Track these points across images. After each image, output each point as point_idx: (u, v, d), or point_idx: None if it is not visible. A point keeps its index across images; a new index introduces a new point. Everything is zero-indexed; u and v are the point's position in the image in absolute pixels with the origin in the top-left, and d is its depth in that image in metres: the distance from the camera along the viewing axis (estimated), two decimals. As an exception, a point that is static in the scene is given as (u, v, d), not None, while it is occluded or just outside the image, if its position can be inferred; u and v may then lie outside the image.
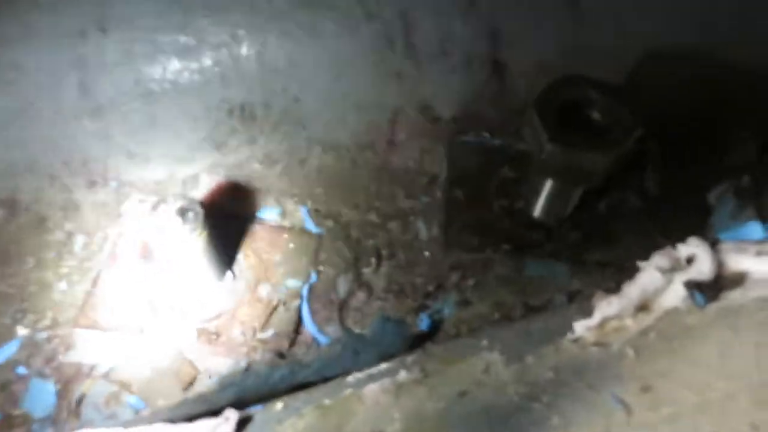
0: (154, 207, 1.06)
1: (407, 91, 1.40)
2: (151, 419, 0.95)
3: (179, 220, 1.05)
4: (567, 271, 1.24)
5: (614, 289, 1.00)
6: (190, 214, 1.06)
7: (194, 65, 1.32)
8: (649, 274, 0.96)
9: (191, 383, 1.11)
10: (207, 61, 1.32)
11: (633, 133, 1.08)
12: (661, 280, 0.95)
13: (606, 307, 0.95)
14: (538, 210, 1.29)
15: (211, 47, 1.31)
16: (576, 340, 0.94)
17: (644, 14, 1.42)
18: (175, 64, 1.32)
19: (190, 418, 0.94)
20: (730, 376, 0.81)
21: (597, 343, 0.92)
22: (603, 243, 1.29)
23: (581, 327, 0.95)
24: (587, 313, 0.97)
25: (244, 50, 1.32)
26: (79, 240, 1.32)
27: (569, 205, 1.27)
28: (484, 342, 1.02)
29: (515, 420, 0.82)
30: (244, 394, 0.94)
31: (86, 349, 1.18)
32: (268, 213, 1.35)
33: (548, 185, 1.24)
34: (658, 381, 0.82)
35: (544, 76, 1.19)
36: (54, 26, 1.30)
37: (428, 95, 1.42)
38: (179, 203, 1.06)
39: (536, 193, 1.27)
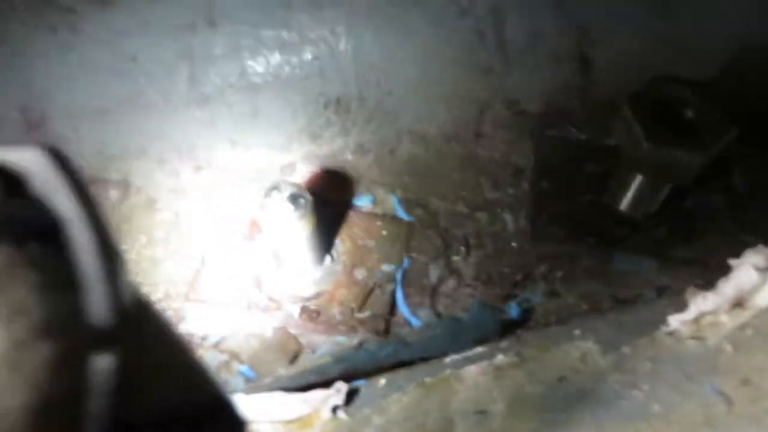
0: (268, 193, 1.14)
1: (495, 85, 1.44)
2: (267, 387, 1.03)
3: (290, 206, 1.13)
4: (653, 266, 1.27)
5: (704, 285, 1.03)
6: (301, 201, 1.13)
7: (295, 59, 1.39)
8: (745, 272, 0.98)
9: (296, 357, 1.20)
10: (307, 56, 1.39)
11: (728, 133, 1.10)
12: (757, 278, 0.98)
13: (702, 302, 0.98)
14: (625, 204, 1.32)
15: (310, 42, 1.38)
16: (671, 333, 0.98)
17: (737, 8, 1.43)
18: (277, 58, 1.39)
19: (304, 388, 1.02)
20: (830, 373, 0.84)
21: (693, 337, 0.96)
22: (688, 240, 1.31)
23: (676, 321, 0.99)
24: (680, 307, 1.01)
25: (341, 46, 1.39)
26: (187, 220, 1.42)
27: (657, 200, 1.30)
28: (577, 331, 1.07)
29: (616, 406, 0.87)
30: (354, 369, 1.01)
31: (197, 321, 1.28)
32: (361, 201, 1.42)
33: (637, 181, 1.27)
34: (757, 375, 0.86)
35: (632, 72, 1.22)
36: (167, 19, 1.38)
37: (516, 89, 1.46)
38: (291, 190, 1.13)
39: (624, 188, 1.30)
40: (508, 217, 1.39)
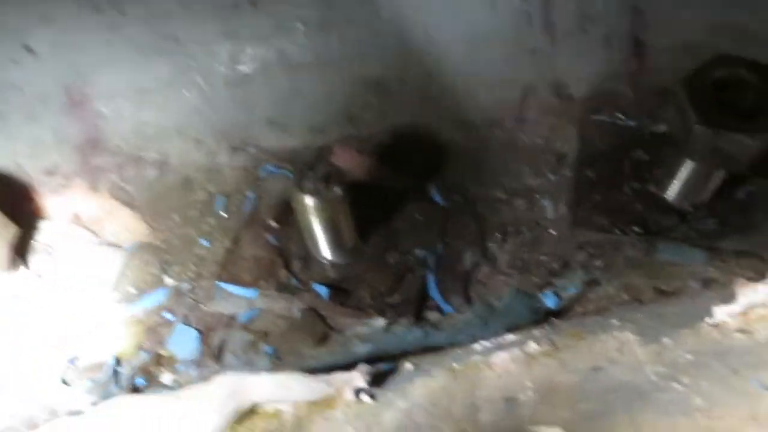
0: (302, 173, 1.12)
1: (541, 68, 1.39)
2: (292, 367, 1.02)
3: (324, 187, 1.11)
4: (702, 257, 1.20)
5: (755, 278, 0.97)
6: (335, 182, 1.11)
7: (336, 40, 1.37)
8: (801, 264, 0.92)
9: (323, 338, 1.18)
10: (349, 36, 1.37)
11: (789, 117, 1.02)
12: (813, 271, 0.91)
13: (752, 294, 0.92)
14: (673, 193, 1.26)
15: (352, 23, 1.35)
16: (716, 326, 0.92)
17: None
18: (317, 39, 1.37)
19: (327, 369, 1.00)
20: None
21: (740, 330, 0.90)
22: (740, 231, 1.23)
23: (723, 313, 0.93)
24: (727, 300, 0.95)
25: (383, 26, 1.36)
26: (220, 201, 1.42)
27: (708, 189, 1.23)
28: (615, 321, 1.02)
29: (654, 398, 0.82)
30: (381, 351, 0.99)
31: (226, 300, 1.28)
32: (397, 184, 1.39)
33: (687, 168, 1.20)
34: (810, 372, 0.80)
35: (689, 56, 1.15)
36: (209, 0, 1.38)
37: (562, 73, 1.40)
38: (325, 171, 1.11)
39: (672, 176, 1.24)
40: (547, 204, 1.34)
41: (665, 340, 0.91)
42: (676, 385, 0.83)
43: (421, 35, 1.35)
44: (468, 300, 1.22)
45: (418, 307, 1.22)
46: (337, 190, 1.10)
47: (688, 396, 0.80)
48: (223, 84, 1.41)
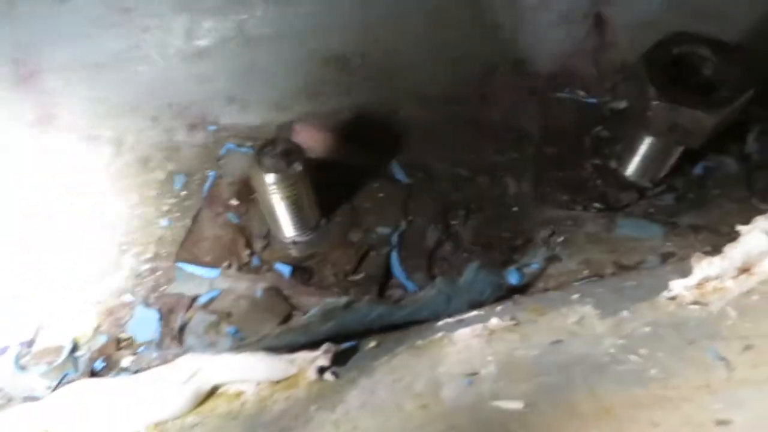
0: (260, 150, 1.10)
1: (503, 45, 1.39)
2: (254, 347, 1.00)
3: (283, 164, 1.09)
4: (660, 232, 1.22)
5: (711, 251, 0.99)
6: (294, 159, 1.09)
7: (292, 13, 1.34)
8: (754, 237, 0.94)
9: (286, 318, 1.17)
10: (306, 9, 1.34)
11: (743, 93, 1.04)
12: (766, 244, 0.93)
13: (707, 267, 0.94)
14: (632, 170, 1.27)
15: (310, -5, 1.33)
16: (673, 298, 0.94)
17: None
18: (273, 11, 1.34)
19: (291, 349, 1.00)
20: (840, 340, 0.79)
21: (696, 302, 0.92)
22: (698, 206, 1.26)
23: (679, 286, 0.95)
24: (684, 273, 0.97)
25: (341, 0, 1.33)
26: (179, 179, 1.39)
27: (666, 165, 1.24)
28: (576, 296, 1.03)
29: (611, 370, 0.83)
30: (343, 329, 0.98)
31: (187, 281, 1.25)
32: (360, 162, 1.38)
33: (645, 144, 1.21)
34: (760, 341, 0.81)
35: (649, 32, 1.16)
36: (163, -29, 1.34)
37: (524, 50, 1.40)
38: (284, 146, 1.09)
39: (632, 153, 1.25)
40: (510, 181, 1.34)
41: (624, 313, 0.93)
42: (633, 357, 0.84)
43: (380, 9, 1.33)
44: (432, 277, 1.22)
45: (381, 285, 1.22)
46: (297, 167, 1.09)
47: (644, 367, 0.82)
48: (179, 59, 1.37)
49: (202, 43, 1.36)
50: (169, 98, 1.41)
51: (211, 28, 1.36)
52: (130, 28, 1.36)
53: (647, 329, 0.88)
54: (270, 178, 1.09)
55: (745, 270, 0.95)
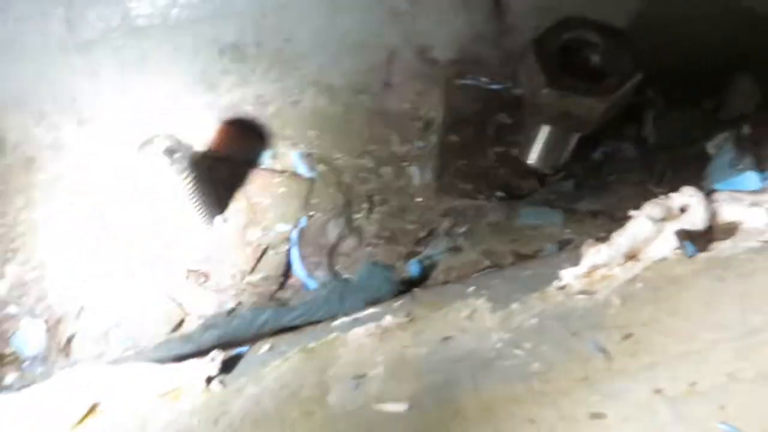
0: (142, 147, 1.04)
1: (404, 31, 1.35)
2: (139, 358, 0.96)
3: (166, 160, 1.03)
4: (560, 219, 1.22)
5: (605, 238, 0.99)
6: (178, 155, 1.04)
7: (183, 2, 1.27)
8: (639, 223, 0.94)
9: (179, 325, 1.12)
10: (196, -3, 1.27)
11: (631, 79, 1.04)
12: (651, 229, 0.94)
13: (594, 255, 0.94)
14: (532, 157, 1.27)
15: (200, -18, 1.26)
16: (563, 288, 0.93)
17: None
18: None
19: (178, 359, 0.95)
20: (714, 327, 0.80)
21: (583, 291, 0.91)
22: (596, 192, 1.27)
23: (569, 275, 0.94)
24: (576, 261, 0.96)
25: (234, -14, 1.27)
26: (69, 180, 1.31)
27: (564, 152, 1.25)
28: (472, 288, 1.02)
29: (496, 366, 0.82)
30: (229, 336, 0.94)
31: (75, 290, 1.19)
32: (260, 156, 1.33)
33: (544, 132, 1.21)
34: (641, 329, 0.82)
35: (548, 17, 1.14)
36: (38, -42, 1.25)
37: (426, 36, 1.37)
38: (166, 143, 1.04)
39: (531, 140, 1.24)
40: (415, 171, 1.32)
41: (514, 305, 0.91)
42: (518, 351, 0.83)
43: (275, -4, 1.27)
44: (334, 274, 1.19)
45: (281, 285, 1.18)
46: (181, 163, 1.03)
47: (527, 361, 0.81)
48: (62, 50, 1.29)
49: (86, 34, 1.28)
50: (54, 92, 1.33)
51: (95, 18, 1.28)
52: (7, 18, 1.27)
53: (534, 321, 0.88)
54: (153, 175, 1.03)
55: (632, 257, 0.95)
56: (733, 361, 0.76)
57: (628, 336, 0.81)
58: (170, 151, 1.04)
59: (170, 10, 1.28)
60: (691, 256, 0.91)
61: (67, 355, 1.12)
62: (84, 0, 1.26)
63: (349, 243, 1.23)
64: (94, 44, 1.29)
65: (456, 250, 1.20)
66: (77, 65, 1.31)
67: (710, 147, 1.30)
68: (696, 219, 0.94)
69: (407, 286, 1.12)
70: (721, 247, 0.93)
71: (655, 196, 1.00)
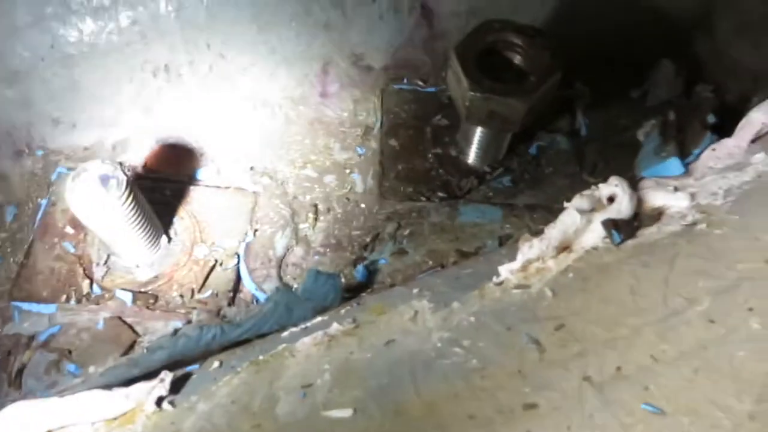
0: (75, 176, 1.04)
1: (336, 41, 1.37)
2: (88, 385, 0.96)
3: (101, 188, 1.03)
4: (499, 215, 1.25)
5: (541, 231, 1.02)
6: (113, 181, 1.04)
7: (111, 26, 1.27)
8: (569, 215, 0.98)
9: (131, 347, 1.13)
10: (124, 21, 1.27)
11: (550, 77, 1.08)
12: (581, 221, 0.97)
13: (528, 249, 0.97)
14: (471, 156, 1.30)
15: (126, 6, 1.25)
16: (500, 284, 0.96)
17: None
18: (90, 26, 1.26)
19: (127, 383, 0.95)
20: (639, 311, 0.84)
21: (519, 286, 0.95)
22: (534, 185, 1.31)
23: (505, 270, 0.97)
24: (514, 256, 1.00)
25: (161, 7, 1.27)
26: (10, 211, 1.30)
27: (501, 149, 1.28)
28: (415, 290, 1.04)
29: (437, 365, 0.85)
30: (177, 356, 0.95)
31: (24, 320, 1.18)
32: (203, 173, 1.34)
33: (479, 131, 1.24)
34: (571, 319, 0.85)
35: (475, 20, 1.18)
36: (-42, -10, 1.23)
37: (358, 44, 1.39)
38: (100, 170, 1.04)
39: (468, 140, 1.28)
40: (357, 177, 1.34)
41: (455, 304, 0.94)
42: (457, 349, 0.86)
43: (202, 14, 1.28)
44: (284, 285, 1.21)
45: (232, 300, 1.19)
46: (117, 189, 1.03)
47: (466, 359, 0.84)
48: (-9, 83, 1.27)
49: (13, 63, 1.26)
50: (-13, 125, 1.31)
51: (22, 48, 1.26)
52: (-71, 53, 1.25)
53: (473, 319, 0.91)
54: (87, 203, 1.03)
55: (565, 248, 0.99)
56: (657, 344, 0.80)
57: (560, 327, 0.85)
58: (105, 178, 1.04)
59: (99, 37, 1.28)
60: (618, 244, 0.95)
61: (19, 386, 1.11)
62: (7, 30, 1.24)
63: (297, 253, 1.25)
64: (23, 74, 1.28)
65: (401, 252, 1.23)
66: (7, 96, 1.29)
67: (640, 134, 1.35)
68: (622, 207, 0.99)
69: (355, 291, 1.15)
70: (646, 233, 0.97)
71: (588, 185, 1.05)
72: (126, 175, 1.06)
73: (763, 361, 0.75)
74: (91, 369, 1.08)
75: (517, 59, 1.12)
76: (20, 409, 0.93)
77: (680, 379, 0.75)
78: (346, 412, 0.82)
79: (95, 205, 1.03)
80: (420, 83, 1.42)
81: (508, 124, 1.12)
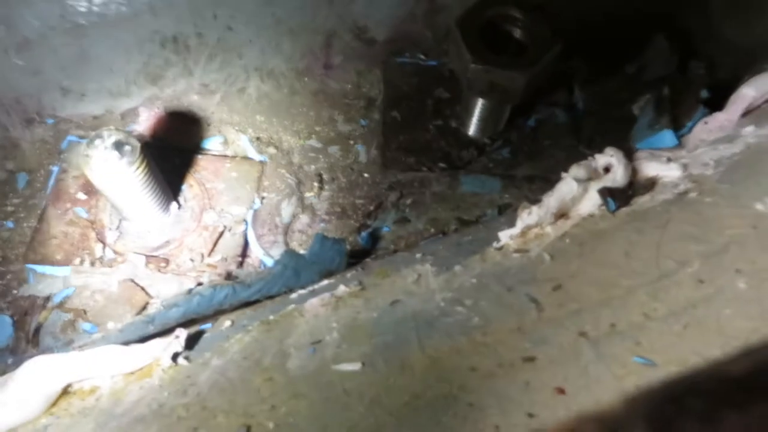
0: (90, 142, 1.08)
1: (340, 14, 1.40)
2: (106, 341, 1.00)
3: (116, 154, 1.07)
4: (498, 185, 1.30)
5: (539, 200, 1.07)
6: (127, 148, 1.08)
7: (120, -4, 1.29)
8: (566, 184, 1.02)
9: (143, 308, 1.17)
10: (133, -9, 1.29)
11: (550, 50, 1.11)
12: (577, 189, 1.02)
13: (527, 216, 1.02)
14: (471, 128, 1.34)
15: (135, -23, 1.28)
16: (500, 249, 1.01)
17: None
18: (100, -5, 1.28)
19: (143, 339, 1.00)
20: (632, 273, 0.88)
21: (518, 250, 0.99)
22: (532, 157, 1.35)
23: (505, 236, 1.02)
24: (513, 223, 1.04)
25: (170, -23, 1.29)
26: (22, 178, 1.33)
27: (500, 121, 1.32)
28: (418, 255, 1.09)
29: (440, 322, 0.89)
30: (190, 314, 0.99)
31: (39, 282, 1.22)
32: (210, 143, 1.37)
33: (479, 103, 1.28)
34: (568, 281, 0.90)
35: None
36: (-29, -42, 1.25)
37: (362, 17, 1.42)
38: (115, 137, 1.07)
39: (469, 112, 1.31)
40: (360, 148, 1.38)
41: (457, 267, 0.99)
42: (459, 308, 0.90)
43: (212, -13, 1.30)
44: (290, 251, 1.25)
45: (240, 264, 1.23)
46: (131, 156, 1.07)
47: (468, 317, 0.89)
48: (3, 50, 1.29)
49: (24, 33, 1.28)
50: (-2, 93, 1.34)
51: (32, 17, 1.28)
52: (-59, 20, 1.27)
53: (474, 281, 0.95)
54: (102, 169, 1.07)
55: (562, 215, 1.04)
56: (648, 302, 0.85)
57: (557, 287, 0.90)
58: (119, 145, 1.07)
59: (108, 7, 1.30)
60: (613, 211, 1.00)
61: (36, 345, 1.15)
62: (20, 0, 1.27)
63: (303, 221, 1.29)
64: (34, 43, 1.30)
65: (403, 220, 1.27)
66: (18, 65, 1.31)
67: (635, 108, 1.39)
68: (617, 177, 1.03)
69: (359, 257, 1.19)
70: (640, 201, 1.02)
71: (585, 157, 1.09)
72: (138, 142, 1.09)
73: (748, 318, 0.80)
74: (110, 325, 1.12)
75: (518, 33, 1.16)
76: (41, 363, 0.97)
77: (670, 335, 0.80)
78: (355, 366, 0.86)
79: (111, 171, 1.06)
80: (422, 56, 1.46)
81: (508, 96, 1.15)
